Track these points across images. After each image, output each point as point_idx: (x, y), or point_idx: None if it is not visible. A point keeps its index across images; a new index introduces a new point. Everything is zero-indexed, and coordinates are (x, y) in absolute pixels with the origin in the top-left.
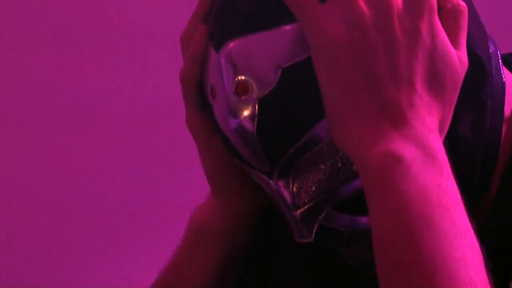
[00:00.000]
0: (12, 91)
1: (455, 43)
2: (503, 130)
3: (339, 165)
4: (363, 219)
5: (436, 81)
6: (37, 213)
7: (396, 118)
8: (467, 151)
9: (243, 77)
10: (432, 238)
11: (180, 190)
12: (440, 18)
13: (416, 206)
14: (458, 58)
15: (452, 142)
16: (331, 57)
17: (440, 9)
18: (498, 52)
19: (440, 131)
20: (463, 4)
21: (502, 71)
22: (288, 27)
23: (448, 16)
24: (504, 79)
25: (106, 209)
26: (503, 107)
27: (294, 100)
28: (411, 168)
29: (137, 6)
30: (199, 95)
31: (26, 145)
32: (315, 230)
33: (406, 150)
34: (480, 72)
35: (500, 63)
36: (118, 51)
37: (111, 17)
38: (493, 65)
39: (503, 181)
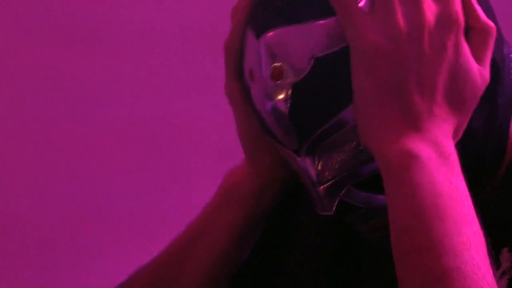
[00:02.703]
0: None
1: (479, 60)
2: None
3: (361, 147)
4: (380, 197)
5: (456, 94)
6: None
7: (417, 123)
8: (477, 141)
9: (279, 64)
10: (441, 225)
11: (183, 191)
12: (469, 36)
13: (428, 197)
14: (480, 74)
15: (464, 134)
16: (368, 63)
17: (471, 28)
18: (511, 55)
19: (454, 137)
20: (492, 25)
21: None
22: (323, 21)
23: (477, 35)
24: None
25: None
26: None
27: (324, 87)
28: (426, 165)
29: None
30: (239, 64)
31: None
32: (335, 204)
33: (423, 150)
34: (495, 74)
35: None
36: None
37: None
38: (505, 66)
39: (510, 166)
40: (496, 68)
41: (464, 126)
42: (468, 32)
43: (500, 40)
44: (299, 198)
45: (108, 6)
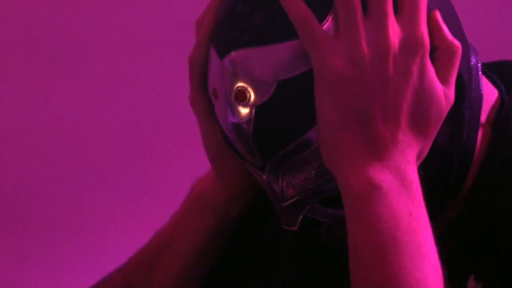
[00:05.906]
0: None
1: (444, 80)
2: (479, 135)
3: (324, 167)
4: (343, 213)
5: (420, 118)
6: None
7: (380, 150)
8: (443, 157)
9: (242, 85)
10: (399, 259)
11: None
12: (435, 55)
13: (387, 230)
14: (445, 95)
15: (429, 151)
16: (332, 88)
17: (437, 47)
18: (479, 64)
19: (418, 159)
20: (457, 44)
21: (480, 82)
22: (287, 43)
23: (442, 55)
24: (482, 91)
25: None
26: (479, 117)
27: (287, 109)
28: (387, 196)
29: None
30: (203, 76)
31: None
32: (299, 220)
33: (385, 179)
34: (460, 88)
35: (480, 74)
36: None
37: None
38: (473, 78)
39: (475, 182)
40: (461, 83)
41: (428, 147)
42: (434, 51)
43: (466, 52)
44: (269, 203)
45: None
